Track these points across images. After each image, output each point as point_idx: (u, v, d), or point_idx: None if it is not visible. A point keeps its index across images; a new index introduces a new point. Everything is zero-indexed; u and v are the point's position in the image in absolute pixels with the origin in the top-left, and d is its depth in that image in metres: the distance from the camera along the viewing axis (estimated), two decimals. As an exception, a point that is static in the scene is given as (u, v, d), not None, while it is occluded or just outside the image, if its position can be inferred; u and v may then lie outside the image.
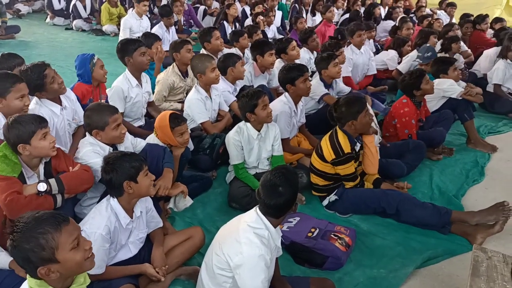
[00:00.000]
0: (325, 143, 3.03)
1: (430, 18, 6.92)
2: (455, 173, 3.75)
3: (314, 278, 2.38)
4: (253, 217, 1.97)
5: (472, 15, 7.14)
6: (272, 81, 4.57)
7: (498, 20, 7.13)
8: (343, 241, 2.64)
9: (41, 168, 2.42)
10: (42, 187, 2.26)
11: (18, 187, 2.22)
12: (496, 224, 2.79)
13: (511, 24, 9.22)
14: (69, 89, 3.31)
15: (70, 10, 9.16)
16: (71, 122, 3.21)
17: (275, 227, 1.99)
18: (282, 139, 3.35)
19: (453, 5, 8.53)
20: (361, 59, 5.41)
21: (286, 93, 3.61)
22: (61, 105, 3.09)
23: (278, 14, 8.41)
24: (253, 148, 3.18)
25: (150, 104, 3.93)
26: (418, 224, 2.93)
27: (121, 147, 2.73)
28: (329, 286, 2.28)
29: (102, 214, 2.15)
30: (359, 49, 5.38)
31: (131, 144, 2.86)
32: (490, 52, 5.78)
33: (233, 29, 7.02)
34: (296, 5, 8.97)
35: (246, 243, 1.88)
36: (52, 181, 2.31)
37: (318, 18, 8.36)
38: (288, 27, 8.60)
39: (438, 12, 8.65)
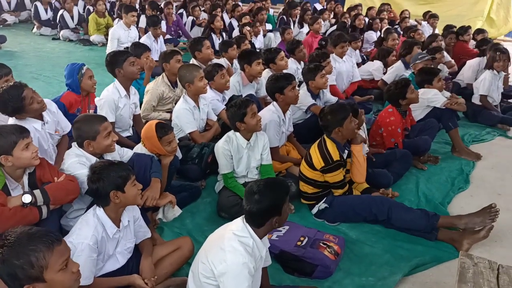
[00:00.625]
0: (314, 151, 3.05)
1: (412, 32, 7.04)
2: (441, 181, 3.80)
3: (303, 287, 2.39)
4: (239, 225, 1.98)
5: (455, 27, 7.31)
6: (260, 90, 4.60)
7: (480, 31, 7.30)
8: (332, 249, 2.65)
9: (25, 179, 2.39)
10: (27, 198, 2.22)
11: (2, 199, 2.18)
12: (482, 230, 2.84)
13: (492, 35, 9.49)
14: (50, 101, 3.25)
15: (57, 20, 9.10)
16: (54, 134, 3.16)
17: (260, 238, 1.99)
18: (271, 148, 3.36)
19: (435, 16, 8.71)
20: (344, 67, 5.50)
21: (274, 102, 3.64)
22: (42, 120, 3.03)
23: (268, 27, 8.48)
24: (242, 157, 3.19)
25: (134, 116, 3.88)
26: (407, 228, 2.96)
27: (108, 157, 2.71)
28: (318, 295, 2.29)
29: (89, 224, 2.13)
30: (341, 58, 5.48)
31: (118, 154, 2.84)
32: (473, 63, 5.91)
33: (221, 40, 7.07)
34: (284, 16, 9.06)
35: (230, 251, 1.88)
36: (37, 192, 2.28)
37: (305, 29, 8.46)
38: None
39: (423, 23, 8.83)
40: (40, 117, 3.03)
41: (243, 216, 2.01)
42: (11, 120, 2.90)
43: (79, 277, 1.65)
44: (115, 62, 3.61)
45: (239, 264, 1.85)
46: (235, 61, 5.14)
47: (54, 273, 1.53)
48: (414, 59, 5.20)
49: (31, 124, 2.91)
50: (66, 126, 3.27)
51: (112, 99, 3.57)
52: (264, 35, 7.98)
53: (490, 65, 5.13)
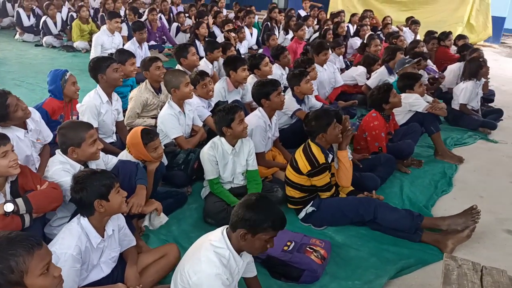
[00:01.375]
0: (299, 155, 3.07)
1: (394, 38, 7.14)
2: (424, 184, 3.86)
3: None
4: (218, 236, 1.99)
5: (436, 32, 7.46)
6: (246, 96, 4.62)
7: (461, 37, 7.46)
8: (318, 253, 2.65)
9: (7, 187, 2.34)
10: (9, 207, 2.17)
11: None
12: (465, 229, 2.89)
13: (472, 41, 9.71)
14: (34, 109, 3.21)
15: (40, 27, 8.99)
16: (36, 142, 3.12)
17: (237, 251, 1.98)
18: (257, 153, 3.37)
19: (417, 22, 8.88)
20: (325, 75, 5.52)
21: (260, 108, 3.65)
22: (26, 129, 2.99)
23: (254, 31, 8.49)
24: (227, 163, 3.18)
25: (117, 123, 3.85)
26: (392, 228, 2.99)
27: (92, 165, 2.68)
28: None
29: (72, 234, 2.09)
30: (322, 66, 5.48)
31: (103, 161, 2.80)
32: (454, 67, 6.03)
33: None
34: (268, 23, 9.13)
35: (205, 262, 1.89)
36: (19, 200, 2.24)
37: (290, 35, 8.53)
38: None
39: (404, 29, 8.99)
40: (24, 125, 2.99)
41: (225, 226, 2.03)
42: None
43: (61, 282, 1.63)
44: (98, 67, 3.59)
45: (212, 275, 1.86)
46: (216, 63, 5.32)
47: (34, 277, 1.51)
48: (400, 64, 5.26)
49: (14, 133, 2.87)
50: (48, 135, 3.24)
51: (93, 104, 3.54)
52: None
53: (473, 75, 5.14)
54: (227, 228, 2.01)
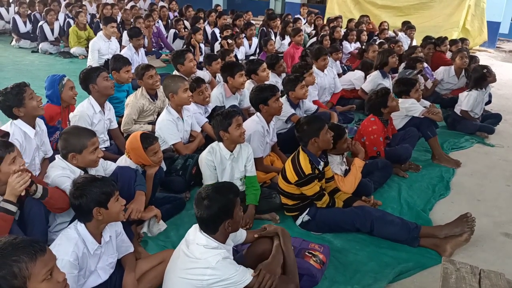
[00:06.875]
0: (288, 165, 3.07)
1: (392, 43, 7.16)
2: (422, 188, 3.87)
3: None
4: (201, 238, 2.06)
5: (434, 38, 7.51)
6: (243, 101, 4.63)
7: (454, 42, 7.52)
8: (317, 258, 2.65)
9: None
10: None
11: None
12: (464, 233, 2.89)
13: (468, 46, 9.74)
14: (41, 120, 3.24)
15: (37, 32, 8.98)
16: (40, 150, 3.14)
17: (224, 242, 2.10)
18: (255, 158, 3.37)
19: (412, 27, 8.92)
20: (326, 80, 5.53)
21: (258, 113, 3.66)
22: (34, 128, 3.03)
23: (254, 41, 8.39)
24: (225, 168, 3.18)
25: (112, 131, 3.86)
26: (388, 238, 3.00)
27: (92, 171, 2.68)
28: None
29: (69, 240, 2.09)
30: (323, 72, 5.50)
31: (102, 167, 2.81)
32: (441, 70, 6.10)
33: (200, 51, 7.13)
34: (264, 28, 9.17)
35: (206, 258, 1.99)
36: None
37: (286, 40, 8.56)
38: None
39: (400, 34, 9.04)
40: (33, 125, 3.03)
41: (195, 228, 2.11)
42: (4, 127, 2.93)
43: (66, 287, 1.64)
44: (88, 78, 3.63)
45: (220, 259, 1.98)
46: (218, 75, 5.18)
47: (37, 283, 1.53)
48: (401, 75, 5.30)
49: (24, 129, 2.95)
50: (49, 150, 3.28)
51: (86, 114, 3.56)
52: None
53: (478, 85, 5.14)
54: (200, 230, 2.09)
